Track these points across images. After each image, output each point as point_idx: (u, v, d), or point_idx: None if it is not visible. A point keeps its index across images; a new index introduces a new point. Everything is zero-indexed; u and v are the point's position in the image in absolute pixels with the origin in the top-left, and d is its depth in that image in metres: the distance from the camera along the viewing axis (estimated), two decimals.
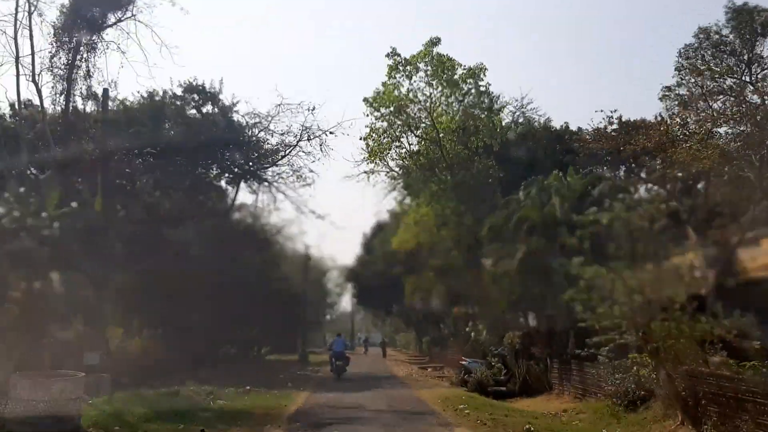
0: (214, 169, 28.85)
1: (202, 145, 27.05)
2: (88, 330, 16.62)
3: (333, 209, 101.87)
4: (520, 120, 28.86)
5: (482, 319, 23.07)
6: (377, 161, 26.41)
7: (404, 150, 27.29)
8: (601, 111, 20.42)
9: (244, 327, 42.46)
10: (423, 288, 30.03)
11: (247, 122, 29.15)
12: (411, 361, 43.20)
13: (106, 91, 19.45)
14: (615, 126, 19.22)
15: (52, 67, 19.33)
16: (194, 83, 27.92)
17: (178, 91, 27.97)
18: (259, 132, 29.48)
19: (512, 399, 18.15)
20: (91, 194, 19.35)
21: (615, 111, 20.29)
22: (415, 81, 25.47)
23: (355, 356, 50.86)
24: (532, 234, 16.05)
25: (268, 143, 29.94)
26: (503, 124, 26.80)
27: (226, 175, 29.57)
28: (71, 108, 19.74)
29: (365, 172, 26.73)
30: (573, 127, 26.36)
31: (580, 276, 10.90)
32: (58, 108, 20.84)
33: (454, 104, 26.21)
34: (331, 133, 27.91)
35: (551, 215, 15.65)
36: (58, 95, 19.95)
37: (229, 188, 30.19)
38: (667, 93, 19.18)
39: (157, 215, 24.95)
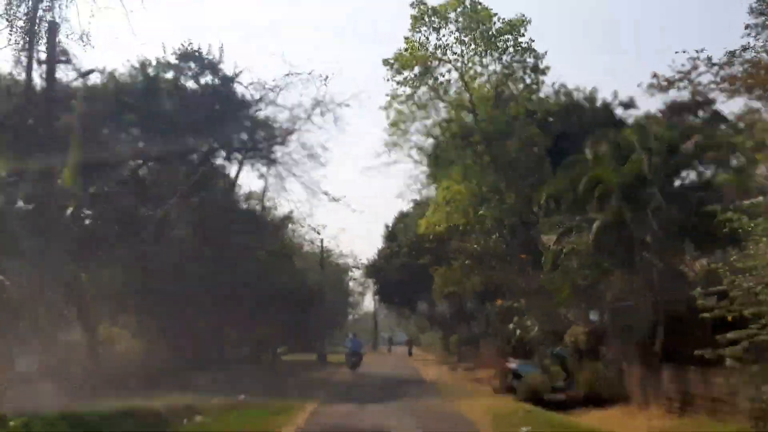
0: (215, 146, 25.45)
1: (200, 120, 23.71)
2: (46, 328, 13.14)
3: (352, 200, 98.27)
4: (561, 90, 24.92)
5: (530, 313, 19.27)
6: (400, 138, 22.79)
7: (431, 121, 23.65)
8: (684, 52, 16.50)
9: (256, 326, 39.41)
10: (454, 280, 26.24)
11: (251, 95, 25.77)
12: (439, 361, 39.56)
13: (53, 25, 15.90)
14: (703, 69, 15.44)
15: (9, 17, 15.99)
16: (189, 49, 24.52)
17: (172, 59, 24.62)
18: (266, 106, 26.09)
19: (575, 410, 14.37)
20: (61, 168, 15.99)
21: (702, 51, 16.31)
22: (444, 35, 21.75)
23: (378, 356, 47.37)
24: (608, 200, 12.32)
25: (274, 121, 26.56)
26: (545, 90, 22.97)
27: (229, 154, 26.18)
28: (34, 68, 16.36)
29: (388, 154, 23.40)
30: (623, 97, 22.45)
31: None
32: (20, 71, 17.59)
33: (490, 65, 22.44)
34: (347, 105, 25.04)
35: (635, 174, 11.91)
36: (18, 52, 16.62)
37: (232, 168, 26.87)
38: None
39: (141, 194, 21.64)
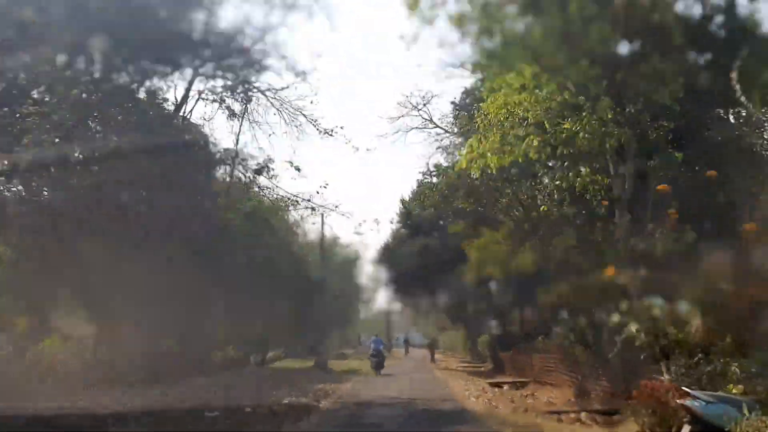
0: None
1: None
2: None
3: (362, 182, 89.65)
4: None
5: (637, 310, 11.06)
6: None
7: None
8: None
9: (242, 324, 31.82)
10: (498, 255, 17.99)
11: None
12: (468, 369, 31.10)
13: None
14: None
15: None
16: None
17: None
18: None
19: None
20: None
21: None
22: None
23: (393, 360, 38.89)
24: None
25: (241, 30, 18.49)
26: None
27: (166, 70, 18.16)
28: None
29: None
30: None
31: None
32: None
33: None
34: None
35: None
36: None
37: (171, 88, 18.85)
38: None
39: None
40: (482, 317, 39.93)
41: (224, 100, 20.34)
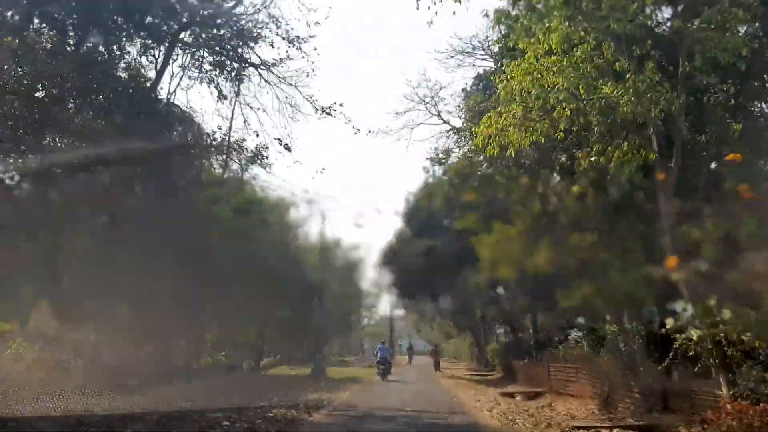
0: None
1: None
2: None
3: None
4: None
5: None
6: None
7: None
8: None
9: (233, 327, 29.88)
10: (512, 253, 15.92)
11: None
12: (475, 377, 28.95)
13: None
14: None
15: None
16: None
17: None
18: None
19: None
20: None
21: None
22: None
23: (396, 368, 36.66)
24: None
25: None
26: None
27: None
28: None
29: None
30: None
31: None
32: None
33: None
34: None
35: None
36: None
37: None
38: None
39: None
40: (491, 323, 37.88)
41: (213, 80, 18.42)
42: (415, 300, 39.83)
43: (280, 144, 18.96)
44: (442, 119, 26.80)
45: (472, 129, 12.94)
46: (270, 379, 25.92)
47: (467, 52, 24.53)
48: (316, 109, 18.64)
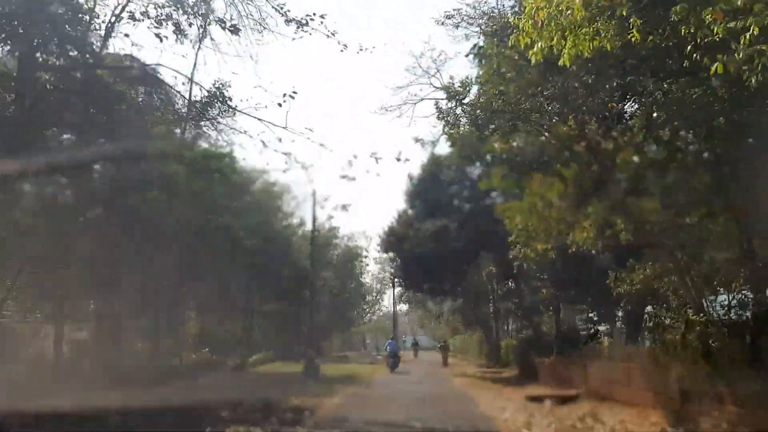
0: None
1: None
2: None
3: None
4: None
5: None
6: None
7: None
8: None
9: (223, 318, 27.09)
10: (548, 224, 12.42)
11: None
12: (488, 375, 25.37)
13: None
14: None
15: None
16: None
17: None
18: None
19: None
20: None
21: None
22: None
23: (403, 364, 33.14)
24: None
25: None
26: None
27: None
28: None
29: None
30: None
31: None
32: None
33: None
34: None
35: None
36: None
37: None
38: None
39: None
40: (505, 317, 34.44)
41: (171, 16, 14.87)
42: (422, 292, 36.45)
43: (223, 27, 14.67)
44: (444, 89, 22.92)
45: (513, 20, 9.23)
46: (254, 378, 22.51)
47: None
48: (288, 21, 14.41)
